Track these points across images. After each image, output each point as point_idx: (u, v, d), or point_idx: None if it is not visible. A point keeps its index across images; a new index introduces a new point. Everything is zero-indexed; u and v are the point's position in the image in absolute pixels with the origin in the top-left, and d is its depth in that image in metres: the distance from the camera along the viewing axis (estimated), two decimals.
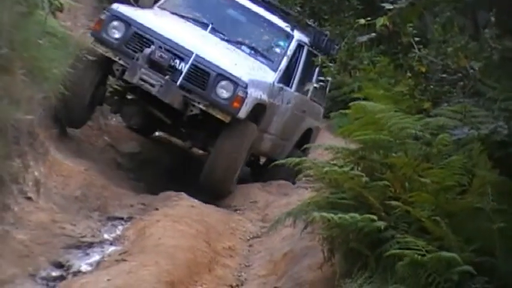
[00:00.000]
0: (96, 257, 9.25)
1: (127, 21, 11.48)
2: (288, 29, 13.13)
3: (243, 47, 12.64)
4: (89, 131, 13.28)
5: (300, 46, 13.38)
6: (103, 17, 11.73)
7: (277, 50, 13.01)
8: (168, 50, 11.18)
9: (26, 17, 11.92)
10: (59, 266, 9.01)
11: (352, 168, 7.45)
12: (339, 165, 7.69)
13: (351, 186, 7.31)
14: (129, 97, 12.14)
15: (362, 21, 8.33)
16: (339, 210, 6.93)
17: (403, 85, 8.69)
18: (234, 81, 11.22)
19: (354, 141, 7.91)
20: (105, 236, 9.93)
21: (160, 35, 11.37)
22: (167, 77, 11.01)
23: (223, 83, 11.21)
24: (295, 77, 13.36)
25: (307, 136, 14.73)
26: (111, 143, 13.78)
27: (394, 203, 6.74)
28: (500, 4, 5.62)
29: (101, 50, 11.44)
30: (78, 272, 8.76)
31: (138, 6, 13.07)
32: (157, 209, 10.53)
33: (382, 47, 8.83)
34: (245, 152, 11.71)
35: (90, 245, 9.72)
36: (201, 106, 11.23)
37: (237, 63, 11.70)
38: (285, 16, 13.52)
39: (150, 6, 13.05)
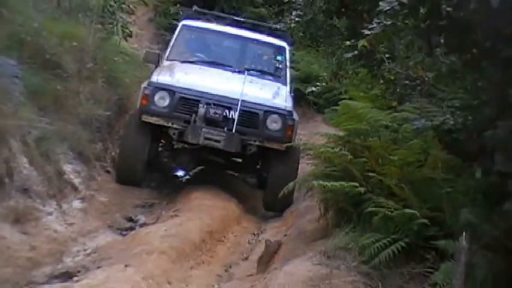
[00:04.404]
0: (156, 214, 9.29)
1: (170, 90, 9.62)
2: (279, 42, 11.51)
3: (252, 72, 10.67)
4: None
5: (289, 51, 11.67)
6: (147, 92, 9.67)
7: (279, 65, 11.38)
8: (217, 105, 9.54)
9: (105, 40, 12.00)
10: (130, 220, 9.07)
11: (340, 149, 7.45)
12: (331, 147, 7.69)
13: (340, 162, 7.31)
14: (178, 147, 10.55)
15: (347, 42, 8.33)
16: (331, 179, 6.94)
17: (377, 89, 8.69)
18: (281, 114, 9.75)
19: (342, 130, 7.91)
20: (163, 199, 9.96)
21: (205, 93, 9.61)
22: (225, 128, 9.50)
23: (272, 117, 9.70)
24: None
25: None
26: None
27: (371, 174, 6.75)
28: (448, 30, 5.62)
29: (153, 120, 9.65)
30: (143, 224, 8.80)
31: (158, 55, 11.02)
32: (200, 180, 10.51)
33: (362, 62, 8.78)
34: (297, 171, 9.78)
35: (152, 205, 9.76)
36: (257, 143, 9.71)
37: (272, 96, 10.12)
38: (269, 30, 12.14)
39: (155, 60, 10.80)
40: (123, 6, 13.34)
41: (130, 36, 13.71)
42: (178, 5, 18.59)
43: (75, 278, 6.60)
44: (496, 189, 4.94)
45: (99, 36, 11.69)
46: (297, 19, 17.46)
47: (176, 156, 10.42)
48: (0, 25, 9.47)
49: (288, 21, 18.06)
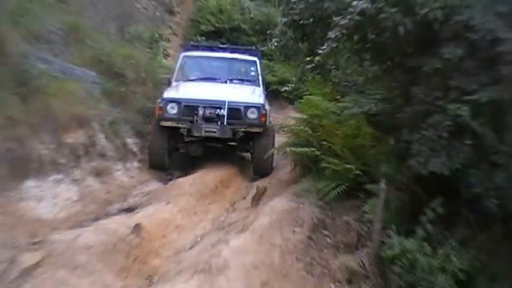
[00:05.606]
0: (186, 171, 9.27)
1: (178, 101, 8.98)
2: (251, 58, 10.95)
3: (235, 81, 10.21)
4: None
5: (259, 63, 10.97)
6: (161, 104, 9.03)
7: (253, 73, 10.68)
8: (211, 107, 9.00)
9: (152, 59, 11.94)
10: (169, 174, 9.07)
11: (304, 127, 7.44)
12: (298, 125, 7.69)
13: (304, 135, 7.31)
14: (189, 140, 9.64)
15: (308, 58, 8.28)
16: (298, 146, 6.94)
17: (328, 88, 8.63)
18: (257, 107, 9.18)
19: (305, 114, 7.89)
20: (190, 163, 9.94)
21: (201, 100, 9.04)
22: (219, 123, 8.99)
23: (251, 110, 9.12)
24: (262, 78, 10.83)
25: None
26: None
27: (323, 143, 6.74)
28: (372, 50, 5.61)
29: (168, 124, 9.02)
30: (178, 177, 8.80)
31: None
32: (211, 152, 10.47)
33: (317, 71, 8.75)
34: (273, 143, 9.25)
35: (184, 166, 9.72)
36: (242, 129, 9.14)
37: (249, 95, 9.56)
38: (245, 50, 11.51)
39: (167, 82, 9.99)
40: (164, 36, 13.33)
41: (169, 56, 13.68)
42: (198, 35, 18.38)
43: (135, 211, 6.66)
44: (403, 151, 4.96)
45: (148, 56, 11.70)
46: (275, 44, 17.30)
47: (188, 146, 9.70)
48: (85, 50, 9.50)
49: (270, 45, 17.94)
